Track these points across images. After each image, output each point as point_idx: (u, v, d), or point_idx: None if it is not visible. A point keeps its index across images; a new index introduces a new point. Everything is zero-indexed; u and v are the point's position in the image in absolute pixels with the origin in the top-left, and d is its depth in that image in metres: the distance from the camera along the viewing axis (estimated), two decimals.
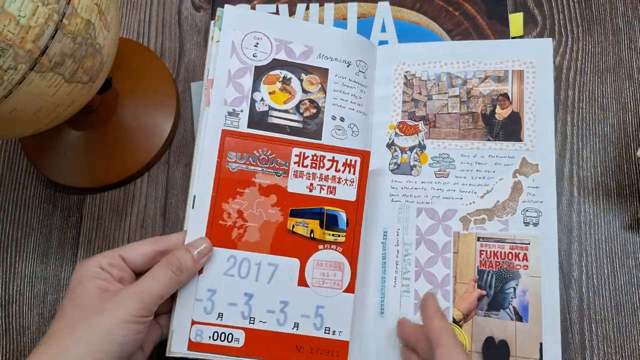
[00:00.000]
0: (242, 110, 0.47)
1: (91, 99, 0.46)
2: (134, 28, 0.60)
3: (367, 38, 0.56)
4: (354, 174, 0.46)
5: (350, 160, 0.46)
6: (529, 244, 0.46)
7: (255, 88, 0.48)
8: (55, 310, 0.52)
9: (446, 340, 0.38)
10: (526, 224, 0.46)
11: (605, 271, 0.49)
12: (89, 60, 0.40)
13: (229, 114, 0.47)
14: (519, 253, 0.46)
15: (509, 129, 0.49)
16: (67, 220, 0.54)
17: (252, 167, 0.46)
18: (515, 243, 0.46)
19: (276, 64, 0.49)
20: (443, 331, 0.39)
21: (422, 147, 0.49)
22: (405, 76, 0.51)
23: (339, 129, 0.48)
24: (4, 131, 0.41)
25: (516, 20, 0.56)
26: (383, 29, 0.57)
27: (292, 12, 0.58)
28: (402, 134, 0.50)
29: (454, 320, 0.45)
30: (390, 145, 0.50)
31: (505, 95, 0.49)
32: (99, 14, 0.40)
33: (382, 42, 0.56)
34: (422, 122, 0.50)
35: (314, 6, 0.58)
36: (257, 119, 0.48)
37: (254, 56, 0.49)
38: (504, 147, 0.48)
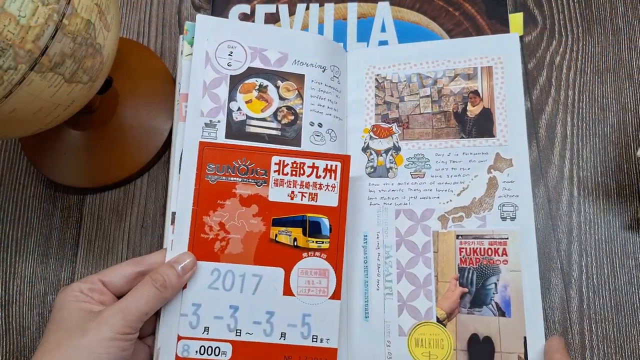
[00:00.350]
0: (219, 121, 0.47)
1: (91, 99, 0.46)
2: (134, 28, 0.60)
3: (366, 38, 0.56)
4: (335, 179, 0.46)
5: (331, 166, 0.46)
6: (507, 238, 0.46)
7: (231, 98, 0.48)
8: None
9: None
10: (503, 218, 0.46)
11: (605, 271, 0.49)
12: (89, 60, 0.40)
13: (206, 125, 0.46)
14: (498, 248, 0.46)
15: (481, 126, 0.49)
16: (67, 220, 0.54)
17: (231, 178, 0.45)
18: (493, 238, 0.46)
19: (252, 72, 0.49)
20: None
21: (397, 148, 0.49)
22: (376, 79, 0.51)
23: (318, 135, 0.48)
24: (4, 131, 0.41)
25: (516, 20, 0.56)
26: (383, 29, 0.57)
27: (292, 13, 0.58)
28: (376, 137, 0.50)
29: (438, 320, 0.45)
30: (365, 149, 0.50)
31: (476, 92, 0.49)
32: (99, 14, 0.40)
33: (382, 42, 0.56)
34: (395, 124, 0.50)
35: (314, 6, 0.58)
36: (235, 129, 0.47)
37: (228, 65, 0.48)
38: (477, 144, 0.48)
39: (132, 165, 0.54)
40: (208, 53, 0.48)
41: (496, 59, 0.50)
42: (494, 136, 0.48)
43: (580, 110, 0.54)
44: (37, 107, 0.39)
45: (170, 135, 0.55)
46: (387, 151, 0.49)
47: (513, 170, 0.47)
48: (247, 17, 0.58)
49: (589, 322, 0.48)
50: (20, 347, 0.51)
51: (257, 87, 0.48)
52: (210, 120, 0.47)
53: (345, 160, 0.46)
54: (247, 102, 0.48)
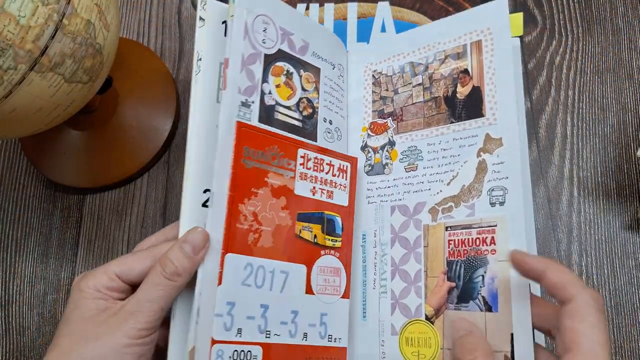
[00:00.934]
0: (253, 102, 0.42)
1: (91, 99, 0.46)
2: (134, 28, 0.60)
3: (366, 38, 0.57)
4: (346, 179, 0.45)
5: (343, 166, 0.45)
6: (495, 226, 0.41)
7: (264, 78, 0.43)
8: (55, 310, 0.52)
9: (578, 295, 0.31)
10: (492, 204, 0.42)
11: (605, 271, 0.49)
12: (89, 60, 0.40)
13: (242, 104, 0.41)
14: (486, 237, 0.41)
15: (471, 106, 0.45)
16: (67, 220, 0.54)
17: (264, 166, 0.41)
18: (482, 227, 0.42)
19: (281, 54, 0.45)
20: (571, 286, 0.32)
21: (391, 143, 0.48)
22: (373, 76, 0.50)
23: (329, 132, 0.47)
24: (4, 131, 0.41)
25: (516, 20, 0.56)
26: (383, 29, 0.57)
27: None
28: (373, 134, 0.49)
29: (426, 317, 0.43)
30: (364, 147, 0.49)
31: (466, 72, 0.45)
32: (99, 14, 0.40)
33: None
34: (390, 118, 0.48)
35: (314, 6, 0.58)
36: (266, 113, 0.43)
37: (263, 42, 0.44)
38: (467, 127, 0.44)
39: (132, 165, 0.54)
40: (247, 24, 0.43)
41: (485, 30, 0.45)
42: (483, 116, 0.44)
43: (580, 110, 0.54)
44: (37, 107, 0.39)
45: (170, 136, 0.55)
46: (383, 147, 0.48)
47: (503, 150, 0.42)
48: None
49: None
50: (20, 347, 0.51)
51: (284, 72, 0.45)
52: (246, 100, 0.42)
53: (354, 162, 0.46)
54: (276, 87, 0.45)
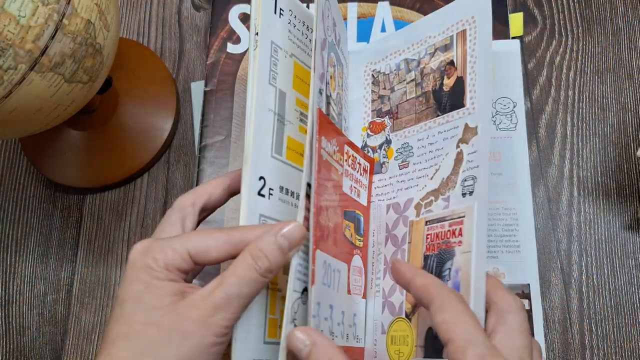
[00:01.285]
0: (323, 90, 0.38)
1: (91, 99, 0.46)
2: (134, 28, 0.60)
3: (366, 38, 0.56)
4: (366, 178, 0.45)
5: (365, 165, 0.45)
6: (464, 216, 0.39)
7: (327, 67, 0.40)
8: (55, 310, 0.52)
9: (438, 292, 0.32)
10: (464, 194, 0.40)
11: (605, 271, 0.49)
12: (89, 60, 0.40)
13: (319, 91, 0.38)
14: (455, 229, 0.39)
15: (454, 98, 0.43)
16: (67, 220, 0.54)
17: (329, 159, 0.38)
18: (453, 219, 0.40)
19: (332, 45, 0.42)
20: (431, 286, 0.33)
21: (388, 142, 0.47)
22: (372, 75, 0.49)
23: (345, 131, 0.47)
24: (4, 131, 0.41)
25: (516, 20, 0.56)
26: (383, 29, 0.57)
27: None
28: (372, 134, 0.48)
29: (406, 314, 0.41)
30: (363, 147, 0.48)
31: (451, 63, 0.44)
32: (99, 14, 0.40)
33: None
34: (387, 116, 0.48)
35: (314, 6, 0.58)
36: (327, 103, 0.40)
37: (327, 29, 0.40)
38: (449, 119, 0.43)
39: (132, 165, 0.54)
40: (323, 7, 0.39)
41: (470, 19, 0.43)
42: (464, 106, 0.42)
43: (580, 110, 0.54)
44: (37, 107, 0.39)
45: (170, 136, 0.55)
46: (380, 146, 0.47)
47: (477, 139, 0.40)
48: (248, 18, 0.58)
49: (589, 322, 0.48)
50: (20, 347, 0.51)
51: (333, 64, 0.42)
52: (320, 88, 0.38)
53: (371, 162, 0.46)
54: (330, 77, 0.41)
